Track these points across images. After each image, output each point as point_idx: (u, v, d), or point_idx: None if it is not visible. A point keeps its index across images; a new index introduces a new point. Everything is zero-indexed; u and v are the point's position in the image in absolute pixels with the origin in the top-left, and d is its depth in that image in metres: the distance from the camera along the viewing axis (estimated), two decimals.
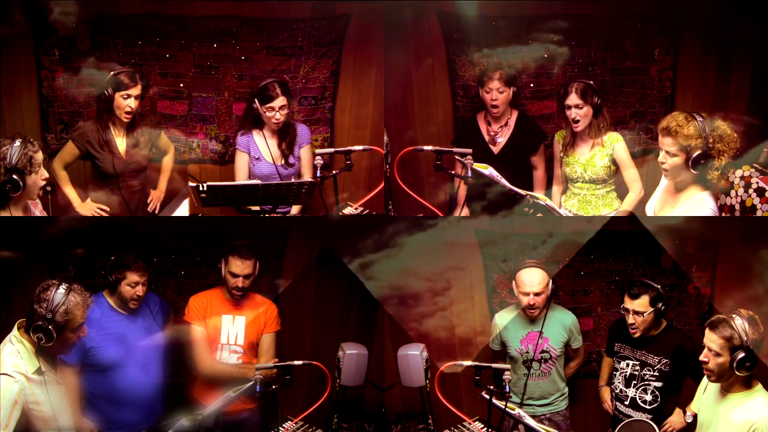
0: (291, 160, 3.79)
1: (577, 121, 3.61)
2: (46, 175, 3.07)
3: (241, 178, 3.81)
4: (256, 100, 3.68)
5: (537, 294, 3.43)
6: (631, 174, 3.66)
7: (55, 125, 4.04)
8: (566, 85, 3.64)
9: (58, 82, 3.97)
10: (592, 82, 3.62)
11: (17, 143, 2.94)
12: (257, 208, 3.46)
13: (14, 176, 2.91)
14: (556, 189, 3.90)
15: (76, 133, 3.65)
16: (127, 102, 3.55)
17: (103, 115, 3.61)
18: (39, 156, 3.00)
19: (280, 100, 3.65)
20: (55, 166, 3.62)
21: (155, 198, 3.90)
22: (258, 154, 3.78)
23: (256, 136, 3.79)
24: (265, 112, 3.67)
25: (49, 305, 2.72)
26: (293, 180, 3.75)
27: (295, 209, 3.77)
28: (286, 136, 3.78)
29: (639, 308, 3.29)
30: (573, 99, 3.59)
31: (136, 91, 3.56)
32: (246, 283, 3.43)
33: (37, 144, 3.02)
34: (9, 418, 2.65)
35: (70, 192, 3.68)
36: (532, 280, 3.44)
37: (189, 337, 3.44)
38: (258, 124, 3.77)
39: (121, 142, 3.66)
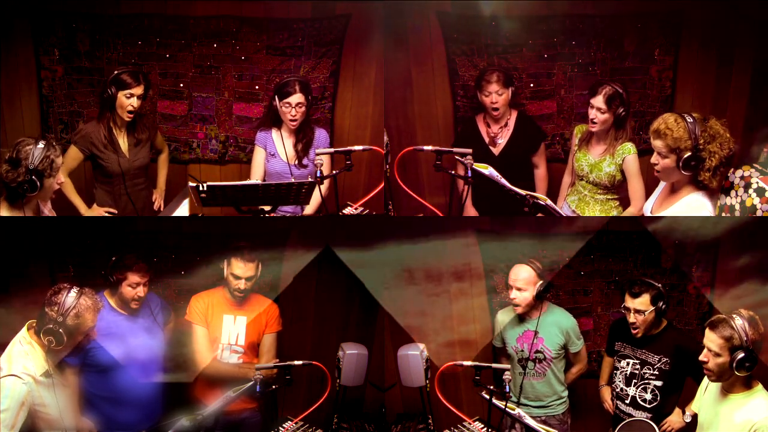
0: (305, 161, 3.80)
1: (594, 123, 3.58)
2: (63, 179, 3.12)
3: (256, 173, 3.84)
4: (276, 95, 3.70)
5: (519, 289, 3.44)
6: (636, 188, 3.60)
7: (55, 125, 4.04)
8: (597, 84, 3.58)
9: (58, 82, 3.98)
10: (623, 92, 3.53)
11: (41, 145, 2.99)
12: (267, 208, 3.45)
13: (33, 177, 2.96)
14: (566, 179, 3.89)
15: (77, 137, 3.65)
16: (129, 101, 3.56)
17: (105, 114, 3.62)
18: (59, 161, 3.06)
19: (297, 97, 3.67)
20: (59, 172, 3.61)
21: (158, 196, 3.93)
22: (273, 151, 3.80)
23: (274, 134, 3.81)
24: (281, 107, 3.69)
25: (60, 308, 2.73)
26: (293, 180, 3.76)
27: (309, 209, 3.77)
28: (303, 137, 3.80)
29: (640, 307, 3.29)
30: (598, 101, 3.54)
31: (138, 90, 3.56)
32: (248, 285, 3.43)
33: (59, 149, 3.08)
34: (15, 419, 2.66)
35: (76, 200, 3.69)
36: (517, 274, 3.45)
37: (190, 336, 3.44)
38: (278, 122, 3.79)
39: (123, 141, 3.67)
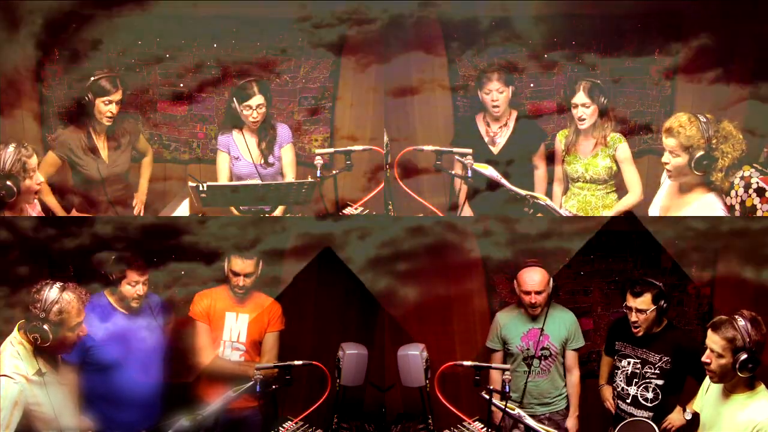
0: (271, 159, 3.78)
1: (583, 120, 3.62)
2: (41, 179, 3.07)
3: (223, 178, 3.81)
4: (234, 98, 3.67)
5: (538, 293, 3.46)
6: (631, 176, 3.67)
7: (55, 125, 4.04)
8: (574, 83, 3.65)
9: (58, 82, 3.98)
10: (599, 81, 3.63)
11: (10, 148, 2.93)
12: (256, 208, 3.47)
13: (8, 182, 2.91)
14: (557, 188, 3.90)
15: (55, 142, 3.63)
16: (108, 108, 3.55)
17: (84, 121, 3.60)
18: (33, 160, 2.99)
19: (257, 99, 3.64)
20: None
21: (139, 201, 3.91)
22: (237, 154, 3.78)
23: (236, 136, 3.78)
24: (242, 111, 3.66)
25: (42, 305, 2.71)
26: (293, 180, 3.75)
27: (279, 209, 3.77)
28: (265, 135, 3.77)
29: (642, 306, 3.30)
30: (580, 97, 3.60)
31: (117, 96, 3.55)
32: (247, 282, 3.44)
33: (31, 148, 3.00)
34: (9, 420, 2.64)
35: (53, 202, 3.67)
36: (533, 279, 3.47)
37: (192, 333, 3.45)
38: (238, 123, 3.75)
39: (102, 146, 3.66)
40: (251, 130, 3.76)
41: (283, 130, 3.82)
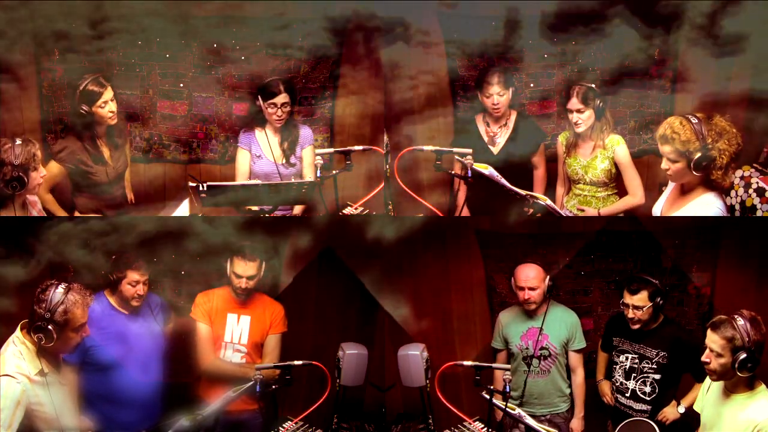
0: (292, 160, 3.80)
1: (579, 124, 3.62)
2: (44, 172, 3.12)
3: (242, 176, 3.82)
4: (259, 96, 3.69)
5: (531, 288, 3.47)
6: (632, 178, 3.65)
7: (55, 125, 4.04)
8: (568, 89, 3.65)
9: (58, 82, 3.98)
10: (593, 85, 3.61)
11: (19, 141, 3.00)
12: (257, 208, 3.47)
13: (20, 174, 2.98)
14: (560, 190, 3.90)
15: (63, 153, 3.55)
16: (107, 108, 3.53)
17: (85, 132, 3.56)
18: (39, 153, 3.07)
19: (282, 97, 3.66)
20: (40, 190, 3.49)
21: (129, 190, 3.91)
22: (259, 152, 3.79)
23: (258, 134, 3.79)
24: (267, 108, 3.68)
25: (47, 305, 2.72)
26: (293, 180, 3.76)
27: (297, 209, 3.77)
28: (288, 135, 3.79)
29: (638, 303, 3.32)
30: (574, 103, 3.60)
31: (109, 93, 3.53)
32: (250, 284, 3.43)
33: (37, 143, 3.08)
34: (12, 419, 2.64)
35: (60, 214, 3.65)
36: (527, 274, 3.48)
37: (193, 334, 3.45)
38: (261, 122, 3.77)
39: (105, 150, 3.65)
40: (274, 129, 3.77)
41: (305, 132, 3.84)
